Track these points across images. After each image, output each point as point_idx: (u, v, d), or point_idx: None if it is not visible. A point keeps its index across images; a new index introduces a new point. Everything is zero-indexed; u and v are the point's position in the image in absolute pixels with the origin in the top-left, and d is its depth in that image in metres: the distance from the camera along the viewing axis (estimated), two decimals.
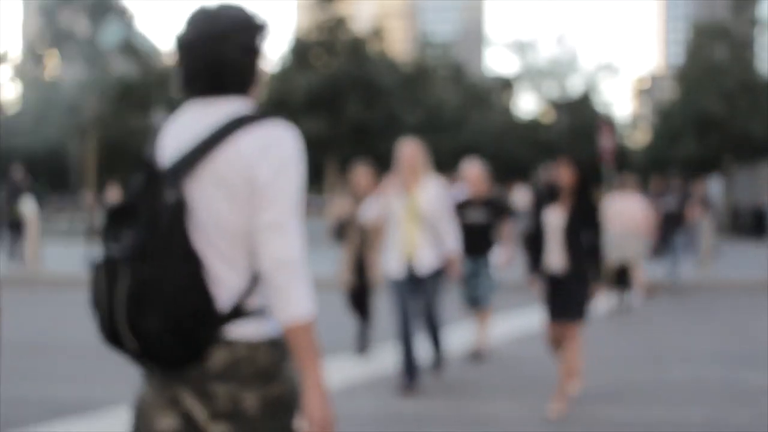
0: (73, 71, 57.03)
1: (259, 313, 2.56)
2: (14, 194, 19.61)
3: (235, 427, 2.53)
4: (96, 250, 19.65)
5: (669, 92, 59.69)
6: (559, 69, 56.51)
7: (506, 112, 57.46)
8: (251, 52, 2.61)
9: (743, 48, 51.22)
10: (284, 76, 47.89)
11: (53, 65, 58.66)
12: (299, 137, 2.62)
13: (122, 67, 56.56)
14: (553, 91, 56.35)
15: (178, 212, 2.49)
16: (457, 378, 8.42)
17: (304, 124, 45.74)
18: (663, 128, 53.01)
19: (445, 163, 43.53)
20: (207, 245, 2.54)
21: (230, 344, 2.52)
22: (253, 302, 2.56)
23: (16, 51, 61.51)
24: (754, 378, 8.40)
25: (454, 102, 52.74)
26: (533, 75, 56.87)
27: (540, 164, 45.95)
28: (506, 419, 6.87)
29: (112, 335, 2.52)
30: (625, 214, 13.75)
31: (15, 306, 13.94)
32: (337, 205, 9.59)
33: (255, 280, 2.56)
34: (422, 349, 8.82)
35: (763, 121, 47.58)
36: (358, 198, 9.46)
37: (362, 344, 9.46)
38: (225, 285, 2.54)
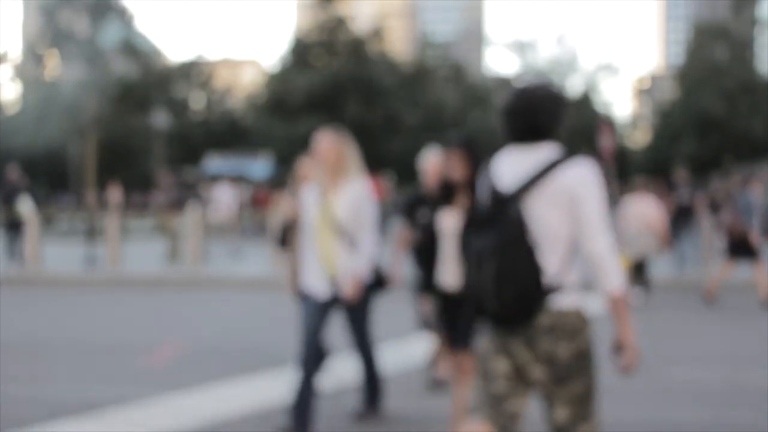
0: (73, 71, 57.03)
1: (568, 289, 3.84)
2: (11, 194, 19.57)
3: (551, 370, 3.83)
4: (93, 251, 19.65)
5: (669, 92, 59.69)
6: (559, 69, 56.55)
7: None
8: (556, 116, 3.93)
9: (743, 48, 51.20)
10: (284, 76, 47.90)
11: (53, 65, 58.66)
12: (598, 167, 3.92)
13: (122, 67, 56.55)
14: None
15: (521, 222, 3.80)
16: None
17: (304, 124, 45.72)
18: (663, 128, 53.02)
19: None
20: (540, 242, 3.83)
21: (549, 310, 3.81)
22: (563, 281, 3.83)
23: (16, 51, 61.55)
24: (755, 378, 8.39)
25: (454, 102, 52.74)
26: (533, 75, 56.84)
27: None
28: None
29: (478, 304, 3.86)
30: (640, 214, 14.46)
31: (15, 306, 13.93)
32: (284, 205, 7.82)
33: (564, 266, 3.85)
34: (327, 378, 7.12)
35: (763, 121, 47.59)
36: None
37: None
38: (548, 269, 3.82)
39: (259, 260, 19.74)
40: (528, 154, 3.91)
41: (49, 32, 57.90)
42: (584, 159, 3.88)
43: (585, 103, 55.32)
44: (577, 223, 3.83)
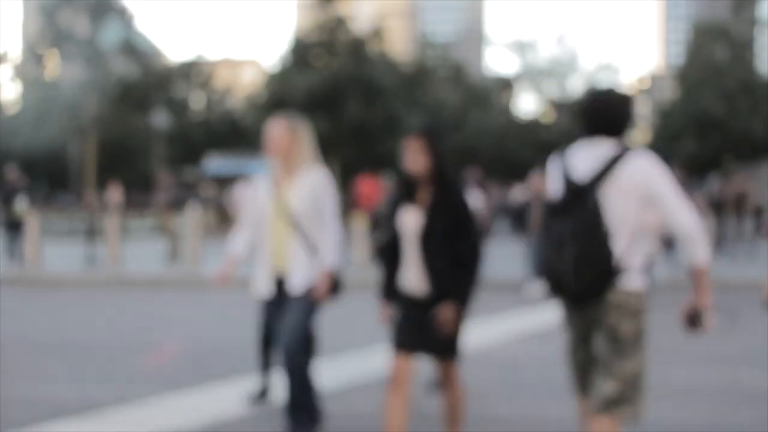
0: (73, 71, 57.03)
1: (633, 272, 4.36)
2: (11, 194, 19.59)
3: (612, 343, 4.34)
4: (93, 251, 19.63)
5: (669, 92, 59.64)
6: (559, 69, 56.52)
7: (506, 112, 57.45)
8: (627, 115, 4.48)
9: (743, 48, 51.19)
10: (284, 76, 47.86)
11: (53, 65, 58.64)
12: (660, 159, 4.40)
13: (122, 67, 56.54)
14: (553, 91, 56.33)
15: (598, 210, 4.30)
16: None
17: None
18: (663, 128, 52.98)
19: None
20: (612, 228, 4.32)
21: (617, 290, 4.34)
22: (628, 264, 4.34)
23: (16, 51, 61.51)
24: (754, 378, 8.39)
25: (454, 102, 52.71)
26: (533, 75, 56.87)
27: (539, 164, 45.91)
28: (506, 419, 6.87)
29: (556, 284, 4.39)
30: None
31: (15, 306, 13.93)
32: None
33: (630, 250, 4.35)
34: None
35: (763, 121, 47.56)
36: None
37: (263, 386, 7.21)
38: (616, 253, 4.32)
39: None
40: (599, 148, 4.45)
41: (49, 32, 57.88)
42: (646, 151, 4.45)
43: None
44: (660, 208, 4.37)
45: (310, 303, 5.99)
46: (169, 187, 21.64)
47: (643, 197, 4.35)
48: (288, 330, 5.95)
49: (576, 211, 4.33)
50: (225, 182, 34.65)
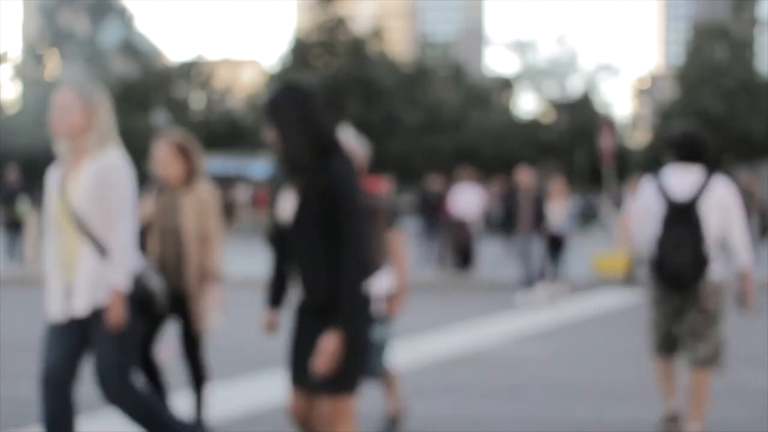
0: (73, 71, 57.01)
1: (716, 267, 5.95)
2: (11, 194, 19.62)
3: (703, 316, 5.99)
4: None
5: (669, 92, 59.64)
6: (559, 69, 56.49)
7: (506, 112, 57.41)
8: (708, 147, 6.04)
9: (743, 48, 51.21)
10: (284, 76, 47.87)
11: (53, 65, 58.65)
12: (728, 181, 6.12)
13: (122, 67, 56.56)
14: (553, 91, 56.31)
15: (699, 222, 5.90)
16: (456, 378, 8.41)
17: None
18: (663, 128, 52.99)
19: (445, 164, 43.45)
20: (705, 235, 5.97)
21: (706, 280, 5.96)
22: (713, 261, 5.95)
23: (16, 51, 61.54)
24: (754, 378, 8.39)
25: (454, 102, 52.71)
26: (533, 75, 56.84)
27: (540, 164, 45.90)
28: (506, 419, 6.87)
29: (674, 279, 5.96)
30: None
31: (15, 306, 13.93)
32: (143, 204, 5.78)
33: (715, 252, 5.95)
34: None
35: (763, 121, 47.59)
36: (167, 191, 5.86)
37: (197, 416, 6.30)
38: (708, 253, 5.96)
39: (258, 260, 19.74)
40: (690, 172, 6.00)
41: (49, 32, 57.90)
42: (724, 176, 5.73)
43: (585, 103, 55.28)
44: (726, 221, 5.93)
45: (111, 328, 4.61)
46: None
47: (722, 212, 5.90)
48: (98, 372, 4.69)
49: (685, 222, 5.86)
50: (225, 182, 34.63)
